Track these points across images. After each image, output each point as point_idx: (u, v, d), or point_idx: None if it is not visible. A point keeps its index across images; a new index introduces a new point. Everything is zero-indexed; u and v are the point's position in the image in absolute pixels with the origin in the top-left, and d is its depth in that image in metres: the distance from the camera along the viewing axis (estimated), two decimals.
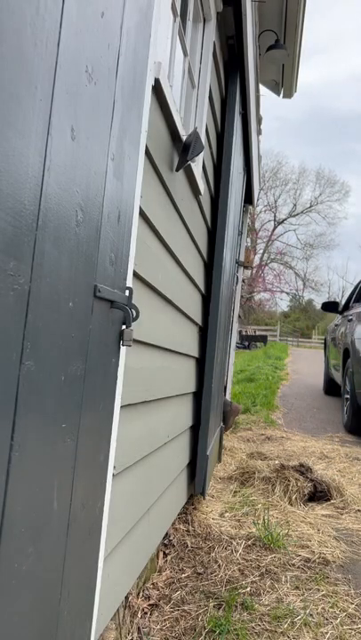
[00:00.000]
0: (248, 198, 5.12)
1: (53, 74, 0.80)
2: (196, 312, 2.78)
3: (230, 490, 3.37)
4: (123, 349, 1.33)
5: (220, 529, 2.69)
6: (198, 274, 2.77)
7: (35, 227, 0.78)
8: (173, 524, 2.65)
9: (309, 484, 3.32)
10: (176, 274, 2.22)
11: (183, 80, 2.31)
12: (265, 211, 37.13)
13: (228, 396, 5.03)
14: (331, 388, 8.43)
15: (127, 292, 1.32)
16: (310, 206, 40.08)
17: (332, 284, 51.47)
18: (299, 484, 3.30)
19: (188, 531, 2.65)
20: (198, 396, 3.01)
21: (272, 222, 37.86)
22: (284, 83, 5.30)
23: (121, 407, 1.44)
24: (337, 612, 1.97)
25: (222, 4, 2.68)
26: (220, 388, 3.90)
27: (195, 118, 2.53)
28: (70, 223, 0.91)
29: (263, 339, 23.74)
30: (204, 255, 2.92)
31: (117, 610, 1.63)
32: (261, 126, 5.49)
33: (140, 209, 1.49)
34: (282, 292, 36.27)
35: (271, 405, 7.24)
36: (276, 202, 38.72)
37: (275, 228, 37.82)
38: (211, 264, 3.06)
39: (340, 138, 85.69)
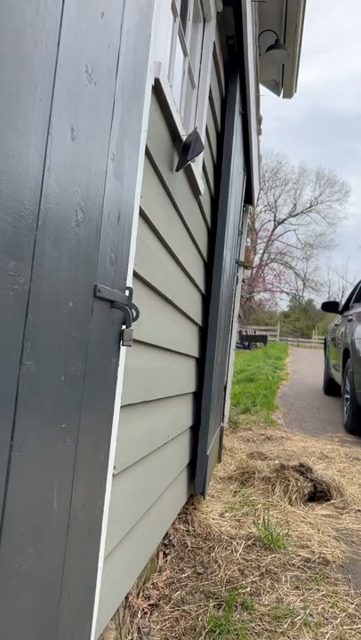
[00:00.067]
0: (248, 198, 5.11)
1: (53, 74, 0.80)
2: (196, 312, 2.78)
3: (230, 490, 3.37)
4: (123, 349, 1.33)
5: (220, 529, 2.69)
6: (198, 274, 2.77)
7: (35, 227, 0.78)
8: (173, 524, 2.65)
9: (309, 484, 3.32)
10: (176, 274, 2.22)
11: (183, 80, 2.31)
12: (265, 211, 37.16)
13: (228, 396, 5.03)
14: (331, 388, 8.43)
15: (127, 292, 1.32)
16: (310, 206, 40.11)
17: (332, 284, 51.49)
18: (299, 484, 3.30)
19: (188, 531, 2.65)
20: (198, 396, 3.01)
21: (272, 222, 37.89)
22: (284, 83, 5.30)
23: (121, 407, 1.44)
24: (337, 612, 1.97)
25: (222, 4, 2.68)
26: (220, 388, 3.90)
27: (195, 118, 2.53)
28: (70, 223, 0.91)
29: (263, 339, 23.74)
30: (204, 255, 2.92)
31: (117, 610, 1.63)
32: (261, 126, 5.49)
33: (140, 209, 1.49)
34: (282, 291, 36.30)
35: (271, 405, 7.24)
36: (276, 202, 38.76)
37: (275, 227, 37.84)
38: (211, 264, 3.06)
39: (340, 138, 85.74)
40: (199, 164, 2.49)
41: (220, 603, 1.99)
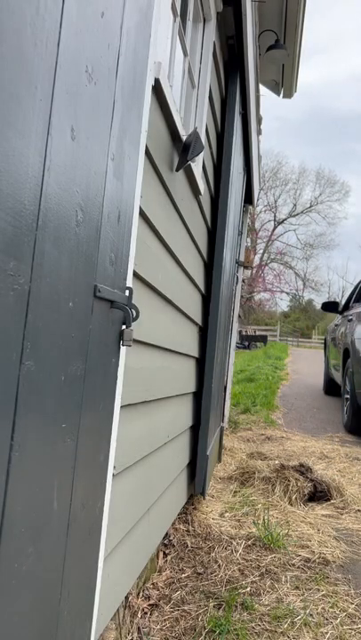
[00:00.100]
0: (248, 198, 5.11)
1: (53, 74, 0.80)
2: (196, 312, 2.78)
3: (230, 490, 3.37)
4: (123, 349, 1.33)
5: (220, 529, 2.69)
6: (198, 274, 2.77)
7: (35, 227, 0.78)
8: (173, 524, 2.65)
9: (309, 484, 3.32)
10: (176, 274, 2.22)
11: (183, 80, 2.31)
12: (265, 211, 37.16)
13: (228, 396, 5.03)
14: (331, 388, 8.43)
15: (127, 292, 1.32)
16: (310, 206, 40.12)
17: (332, 284, 51.50)
18: (299, 484, 3.30)
19: (188, 531, 2.65)
20: (198, 396, 3.01)
21: (272, 222, 37.89)
22: (284, 83, 5.30)
23: (121, 407, 1.44)
24: (337, 612, 1.97)
25: (222, 4, 2.68)
26: (220, 388, 3.90)
27: (195, 118, 2.53)
28: (70, 223, 0.91)
29: (263, 339, 23.74)
30: (204, 255, 2.92)
31: (117, 610, 1.63)
32: (261, 126, 5.49)
33: (140, 209, 1.49)
34: (282, 292, 36.30)
35: (271, 405, 7.24)
36: (276, 202, 38.76)
37: (275, 227, 37.84)
38: (211, 264, 3.06)
39: (340, 138, 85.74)
40: (199, 164, 2.49)
41: (220, 603, 1.99)
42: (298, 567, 2.34)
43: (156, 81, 1.57)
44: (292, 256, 37.81)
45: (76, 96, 0.90)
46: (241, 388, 8.55)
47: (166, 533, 2.49)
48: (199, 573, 2.22)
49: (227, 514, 2.93)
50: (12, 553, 0.79)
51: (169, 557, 2.35)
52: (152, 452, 1.97)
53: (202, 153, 2.46)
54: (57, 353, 0.90)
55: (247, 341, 21.99)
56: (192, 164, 2.20)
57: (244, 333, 22.52)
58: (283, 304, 44.41)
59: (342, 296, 38.58)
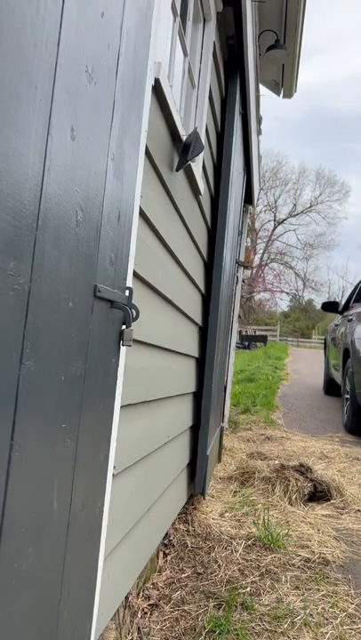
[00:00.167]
0: (248, 198, 5.11)
1: (53, 74, 0.80)
2: (196, 312, 2.78)
3: (230, 490, 3.37)
4: (123, 349, 1.33)
5: (220, 529, 2.69)
6: (198, 274, 2.77)
7: (35, 227, 0.78)
8: (173, 524, 2.65)
9: (309, 484, 3.32)
10: (176, 274, 2.22)
11: (183, 80, 2.31)
12: (265, 211, 37.17)
13: (228, 396, 5.03)
14: (331, 388, 8.43)
15: (127, 292, 1.32)
16: (310, 206, 40.13)
17: (332, 284, 51.50)
18: (299, 484, 3.30)
19: (188, 531, 2.65)
20: (198, 396, 3.01)
21: (272, 222, 37.90)
22: (284, 83, 5.30)
23: (121, 407, 1.44)
24: (337, 612, 1.97)
25: (222, 4, 2.68)
26: (220, 388, 3.90)
27: (195, 118, 2.53)
28: (70, 223, 0.91)
29: (263, 339, 23.74)
30: (204, 255, 2.92)
31: (117, 610, 1.63)
32: (261, 126, 5.49)
33: (140, 209, 1.49)
34: (282, 292, 36.31)
35: (271, 405, 7.24)
36: (276, 202, 38.77)
37: (275, 227, 37.85)
38: (211, 264, 3.06)
39: (340, 138, 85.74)
40: (199, 164, 2.49)
41: (220, 603, 1.99)
42: (298, 567, 2.34)
43: (156, 81, 1.57)
44: (292, 256, 37.84)
45: (76, 96, 0.90)
46: (241, 388, 8.55)
47: (166, 533, 2.49)
48: (199, 573, 2.22)
49: (227, 514, 2.93)
50: (12, 553, 0.79)
51: (169, 557, 2.35)
52: (152, 452, 1.97)
53: (202, 153, 2.46)
54: (57, 353, 0.90)
55: (247, 341, 21.99)
56: (192, 164, 2.20)
57: (244, 333, 22.52)
58: (283, 304, 44.45)
59: (342, 296, 38.59)
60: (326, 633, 1.82)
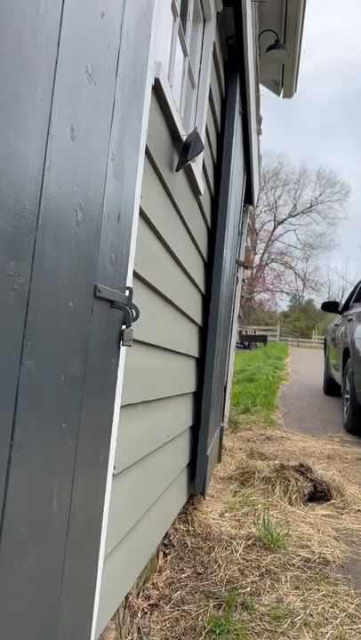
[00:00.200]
0: (248, 198, 5.11)
1: (53, 74, 0.80)
2: (196, 312, 2.78)
3: (230, 490, 3.37)
4: (123, 349, 1.33)
5: (220, 529, 2.69)
6: (198, 274, 2.77)
7: (35, 227, 0.78)
8: (173, 523, 2.65)
9: (309, 484, 3.32)
10: (176, 274, 2.22)
11: (183, 80, 2.31)
12: (265, 211, 37.18)
13: (228, 396, 5.03)
14: (331, 387, 8.43)
15: (127, 292, 1.32)
16: (310, 206, 40.13)
17: (332, 284, 51.53)
18: (299, 484, 3.30)
19: (188, 531, 2.65)
20: (198, 396, 3.01)
21: (272, 222, 37.90)
22: (284, 83, 5.30)
23: (121, 407, 1.44)
24: (337, 612, 1.97)
25: (222, 4, 2.68)
26: (220, 388, 3.90)
27: (195, 118, 2.53)
28: (70, 223, 0.91)
29: (263, 339, 23.74)
30: (204, 255, 2.92)
31: (117, 610, 1.63)
32: (261, 126, 5.49)
33: (140, 209, 1.49)
34: (282, 292, 36.31)
35: (271, 405, 7.24)
36: (276, 202, 38.78)
37: (275, 228, 37.85)
38: (211, 264, 3.06)
39: (340, 138, 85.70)
40: (199, 164, 2.49)
41: (220, 603, 1.99)
42: (298, 567, 2.34)
43: (156, 81, 1.57)
44: (292, 256, 37.86)
45: (76, 96, 0.90)
46: (241, 388, 8.55)
47: (166, 533, 2.49)
48: (199, 573, 2.22)
49: (227, 514, 2.93)
50: (12, 553, 0.79)
51: (169, 557, 2.35)
52: (152, 452, 1.97)
53: (202, 153, 2.46)
54: (57, 353, 0.90)
55: (247, 341, 21.98)
56: (192, 164, 2.20)
57: (244, 333, 22.52)
58: (283, 304, 44.47)
59: (342, 296, 38.57)
60: (326, 633, 1.82)
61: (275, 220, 38.09)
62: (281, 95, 5.53)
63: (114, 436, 1.34)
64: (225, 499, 3.19)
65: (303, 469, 3.50)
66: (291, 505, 3.14)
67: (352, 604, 2.05)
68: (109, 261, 1.16)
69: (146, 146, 1.47)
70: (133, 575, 1.79)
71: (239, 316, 6.31)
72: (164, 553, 2.38)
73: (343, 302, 7.59)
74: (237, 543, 2.52)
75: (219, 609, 1.94)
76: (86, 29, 0.92)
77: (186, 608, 1.93)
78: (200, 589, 2.08)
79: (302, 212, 39.64)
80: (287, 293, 38.68)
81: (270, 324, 38.09)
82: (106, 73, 1.04)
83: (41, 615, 0.92)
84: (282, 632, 1.81)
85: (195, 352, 2.84)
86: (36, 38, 0.74)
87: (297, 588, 2.14)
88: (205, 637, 1.76)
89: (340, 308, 7.49)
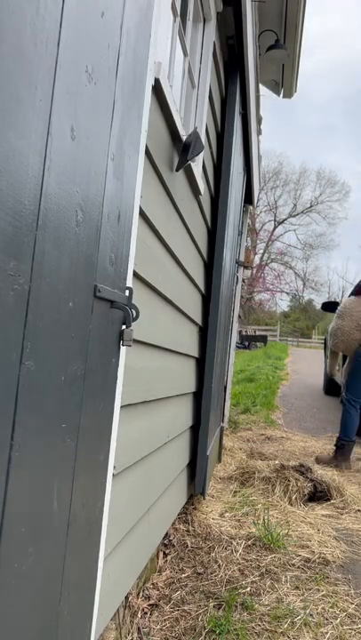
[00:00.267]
0: (248, 198, 5.11)
1: (53, 74, 0.80)
2: (196, 312, 2.78)
3: (230, 490, 3.37)
4: (123, 349, 1.33)
5: (220, 529, 2.69)
6: (198, 274, 2.77)
7: (35, 227, 0.78)
8: (173, 523, 2.65)
9: (309, 484, 3.32)
10: (176, 274, 2.22)
11: (183, 80, 2.31)
12: (265, 211, 37.18)
13: (228, 396, 5.03)
14: (331, 387, 8.43)
15: (127, 292, 1.32)
16: (311, 206, 40.13)
17: (332, 284, 51.46)
18: (299, 484, 3.30)
19: (188, 531, 2.65)
20: (198, 396, 3.01)
21: (272, 222, 37.91)
22: (284, 83, 5.30)
23: (121, 407, 1.44)
24: (337, 612, 1.97)
25: (222, 4, 2.67)
26: (220, 388, 3.90)
27: (195, 118, 2.53)
28: (70, 223, 0.91)
29: (263, 339, 23.74)
30: (204, 255, 2.92)
31: (117, 610, 1.63)
32: (261, 126, 5.49)
33: (140, 209, 1.49)
34: (282, 292, 36.31)
35: (271, 405, 7.24)
36: (276, 202, 38.78)
37: (275, 228, 37.85)
38: (211, 264, 3.06)
39: (340, 138, 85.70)
40: (199, 164, 2.49)
41: (220, 603, 1.99)
42: (298, 567, 2.34)
43: (156, 81, 1.57)
44: (292, 256, 37.86)
45: (76, 96, 0.90)
46: (241, 388, 8.55)
47: (166, 533, 2.49)
48: (199, 573, 2.22)
49: (227, 514, 2.93)
50: (12, 553, 0.79)
51: (169, 557, 2.35)
52: (152, 452, 1.97)
53: (202, 153, 2.46)
54: (57, 353, 0.90)
55: (247, 341, 21.99)
56: (192, 164, 2.20)
57: (244, 333, 22.52)
58: (283, 304, 44.48)
59: (342, 296, 38.49)
60: (326, 633, 1.82)
61: (275, 220, 38.11)
62: (281, 95, 5.53)
63: (114, 436, 1.34)
64: (225, 499, 3.19)
65: (303, 469, 3.50)
66: (291, 505, 3.14)
67: (352, 604, 2.05)
68: (109, 261, 1.16)
69: (146, 146, 1.47)
70: (133, 575, 1.79)
71: (239, 316, 6.31)
72: (164, 553, 2.38)
73: None
74: (237, 543, 2.52)
75: (219, 609, 1.94)
76: (86, 29, 0.92)
77: (186, 608, 1.93)
78: (200, 589, 2.08)
79: (302, 212, 39.65)
80: (287, 293, 38.70)
81: (270, 323, 38.09)
82: (106, 73, 1.04)
83: (41, 615, 0.92)
84: (282, 632, 1.81)
85: (195, 352, 2.84)
86: (36, 38, 0.74)
87: (297, 588, 2.14)
88: (205, 637, 1.76)
89: None
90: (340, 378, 6.76)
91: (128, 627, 1.75)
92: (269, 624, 1.85)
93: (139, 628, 1.77)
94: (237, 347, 17.55)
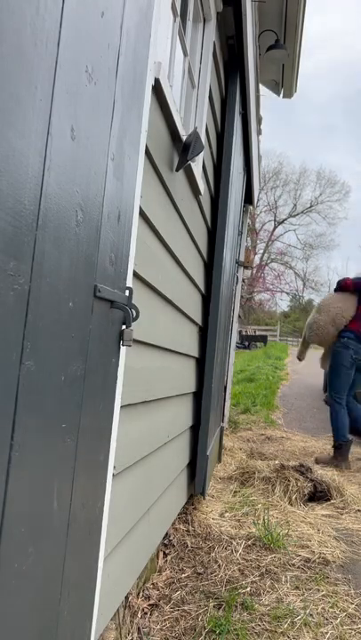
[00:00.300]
0: (248, 198, 5.11)
1: (53, 74, 0.80)
2: (196, 312, 2.78)
3: (230, 490, 3.37)
4: (123, 349, 1.33)
5: (220, 529, 2.69)
6: (198, 274, 2.77)
7: (35, 227, 0.78)
8: (173, 523, 2.65)
9: (309, 484, 3.32)
10: (176, 274, 2.22)
11: (183, 80, 2.31)
12: (265, 211, 37.18)
13: (228, 396, 5.03)
14: None
15: (127, 292, 1.32)
16: (311, 206, 40.11)
17: (331, 284, 51.37)
18: (299, 484, 3.30)
19: (188, 531, 2.65)
20: (198, 396, 3.01)
21: (272, 222, 37.91)
22: (284, 83, 5.30)
23: (121, 407, 1.44)
24: (337, 612, 1.97)
25: (222, 4, 2.68)
26: (220, 388, 3.90)
27: (195, 118, 2.53)
28: (70, 223, 0.91)
29: (263, 339, 23.74)
30: (204, 255, 2.92)
31: (117, 610, 1.63)
32: (261, 126, 5.49)
33: (140, 209, 1.49)
34: (282, 292, 36.31)
35: (271, 405, 7.24)
36: (276, 202, 38.77)
37: (275, 228, 37.85)
38: (211, 264, 3.06)
39: (341, 137, 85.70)
40: (199, 164, 2.49)
41: (220, 603, 1.99)
42: (298, 567, 2.34)
43: (156, 81, 1.57)
44: (292, 256, 37.86)
45: (76, 96, 0.90)
46: (241, 388, 8.55)
47: (166, 533, 2.49)
48: (199, 573, 2.22)
49: (227, 514, 2.93)
50: (12, 553, 0.79)
51: (169, 557, 2.35)
52: (152, 452, 1.97)
53: (202, 153, 2.46)
54: (57, 353, 0.90)
55: (247, 341, 21.99)
56: (192, 164, 2.20)
57: (244, 333, 22.52)
58: (283, 304, 44.48)
59: None
60: (326, 633, 1.82)
61: (275, 220, 38.10)
62: (281, 95, 5.53)
63: (114, 436, 1.34)
64: (225, 499, 3.19)
65: (303, 469, 3.50)
66: (291, 505, 3.14)
67: (352, 604, 2.05)
68: (109, 261, 1.16)
69: (146, 146, 1.47)
70: (133, 575, 1.79)
71: (239, 316, 6.31)
72: (164, 553, 2.38)
73: None
74: (237, 543, 2.52)
75: (219, 609, 1.94)
76: (86, 29, 0.92)
77: (186, 608, 1.93)
78: (200, 589, 2.08)
79: (302, 212, 39.64)
80: (287, 293, 38.69)
81: (270, 323, 38.07)
82: (106, 73, 1.04)
83: (41, 615, 0.92)
84: (282, 632, 1.81)
85: (195, 352, 2.84)
86: (36, 38, 0.74)
87: (297, 588, 2.14)
88: (205, 637, 1.76)
89: None
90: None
91: (128, 627, 1.75)
92: (269, 624, 1.85)
93: (139, 628, 1.77)
94: (237, 347, 17.55)
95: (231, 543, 2.53)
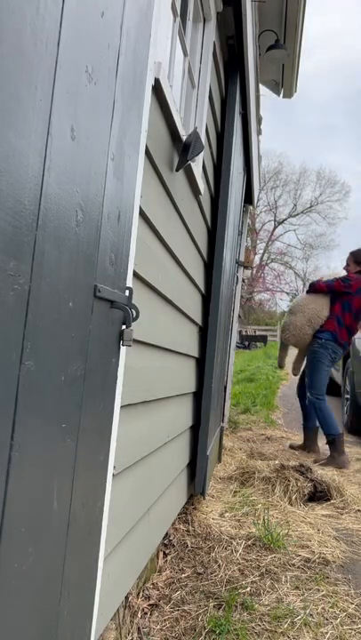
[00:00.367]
0: (248, 198, 5.12)
1: (53, 74, 0.80)
2: (196, 312, 2.78)
3: (230, 490, 3.37)
4: (123, 349, 1.33)
5: (220, 529, 2.69)
6: (198, 274, 2.77)
7: (35, 227, 0.78)
8: (173, 523, 2.65)
9: (309, 484, 3.32)
10: (176, 274, 2.22)
11: (183, 80, 2.31)
12: (265, 211, 37.19)
13: (228, 396, 5.03)
14: (331, 387, 8.42)
15: (127, 292, 1.32)
16: (311, 206, 40.11)
17: None
18: (299, 484, 3.30)
19: (188, 531, 2.65)
20: (198, 396, 3.01)
21: (272, 222, 37.92)
22: (284, 83, 5.30)
23: (121, 407, 1.44)
24: (337, 612, 1.97)
25: (222, 4, 2.68)
26: (220, 388, 3.90)
27: (195, 118, 2.53)
28: (70, 223, 0.91)
29: (263, 339, 23.74)
30: (204, 255, 2.92)
31: (117, 610, 1.63)
32: (261, 126, 5.49)
33: (140, 209, 1.49)
34: (282, 292, 36.31)
35: (271, 405, 7.24)
36: (276, 202, 38.78)
37: (275, 228, 37.86)
38: (211, 264, 3.06)
39: (341, 137, 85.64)
40: (199, 164, 2.49)
41: (220, 603, 1.99)
42: (298, 567, 2.34)
43: (156, 81, 1.57)
44: (292, 256, 37.87)
45: (76, 96, 0.90)
46: (241, 388, 8.55)
47: (166, 533, 2.50)
48: (199, 573, 2.22)
49: (227, 514, 2.93)
50: (12, 553, 0.79)
51: (169, 557, 2.35)
52: (152, 452, 1.97)
53: (202, 153, 2.46)
54: (57, 353, 0.90)
55: (247, 341, 21.99)
56: (192, 164, 2.20)
57: (244, 333, 22.52)
58: (283, 304, 44.44)
59: None
60: (326, 633, 1.82)
61: (275, 220, 38.11)
62: (281, 95, 5.53)
63: (114, 436, 1.34)
64: (225, 499, 3.19)
65: (303, 469, 3.50)
66: (291, 505, 3.14)
67: (352, 603, 2.05)
68: (109, 261, 1.16)
69: (146, 146, 1.47)
70: (133, 575, 1.79)
71: (239, 316, 6.31)
72: (164, 553, 2.38)
73: None
74: (237, 543, 2.52)
75: (219, 609, 1.94)
76: (86, 29, 0.92)
77: (186, 608, 1.93)
78: (200, 589, 2.08)
79: (302, 212, 39.63)
80: (287, 293, 38.64)
81: (270, 324, 38.03)
82: (106, 73, 1.04)
83: (41, 615, 0.92)
84: (282, 632, 1.81)
85: (195, 352, 2.84)
86: (36, 38, 0.74)
87: (297, 588, 2.14)
88: (205, 637, 1.76)
89: None
90: (340, 378, 6.77)
91: (128, 627, 1.75)
92: (269, 624, 1.85)
93: (139, 628, 1.77)
94: (237, 347, 17.55)
95: (231, 543, 2.53)
